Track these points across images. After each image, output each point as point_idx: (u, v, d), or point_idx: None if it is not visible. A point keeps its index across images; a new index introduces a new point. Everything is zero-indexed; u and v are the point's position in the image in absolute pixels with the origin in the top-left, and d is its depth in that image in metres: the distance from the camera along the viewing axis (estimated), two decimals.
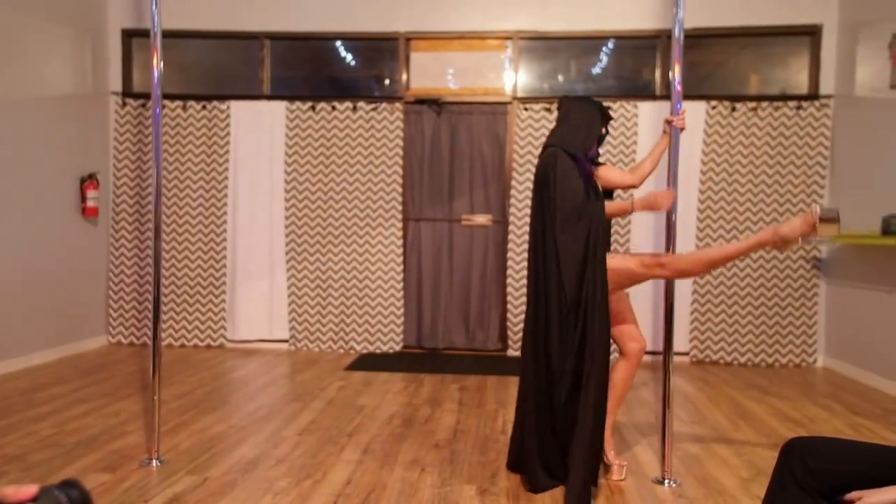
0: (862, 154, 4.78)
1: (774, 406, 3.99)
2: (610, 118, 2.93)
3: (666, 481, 2.71)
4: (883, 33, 4.52)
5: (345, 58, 5.80)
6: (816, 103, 5.15)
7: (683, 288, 5.20)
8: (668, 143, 2.83)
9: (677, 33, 2.75)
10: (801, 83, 5.31)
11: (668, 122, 2.81)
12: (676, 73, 2.77)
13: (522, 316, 5.31)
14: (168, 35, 5.25)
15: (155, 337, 2.89)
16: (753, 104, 5.20)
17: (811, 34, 5.23)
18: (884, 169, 4.50)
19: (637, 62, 5.66)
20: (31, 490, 0.73)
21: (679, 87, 2.78)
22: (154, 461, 2.82)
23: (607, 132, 2.97)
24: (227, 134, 5.52)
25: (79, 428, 3.30)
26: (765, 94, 5.35)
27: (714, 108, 5.22)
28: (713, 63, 5.57)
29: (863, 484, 1.42)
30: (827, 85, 5.19)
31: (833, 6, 5.17)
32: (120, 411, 3.61)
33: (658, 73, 5.41)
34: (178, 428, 3.34)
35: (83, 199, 5.22)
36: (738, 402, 4.04)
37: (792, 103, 5.17)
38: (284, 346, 5.58)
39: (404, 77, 5.54)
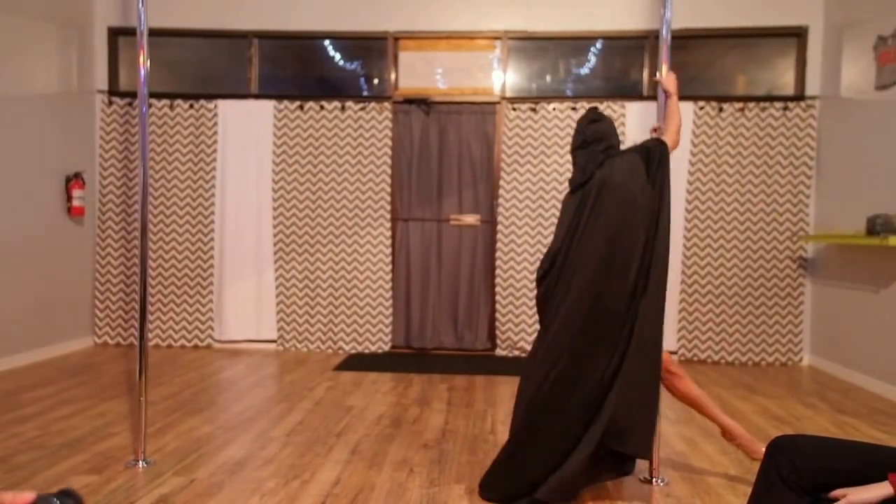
0: (847, 154, 4.83)
1: (761, 404, 4.02)
2: None
3: (654, 479, 2.73)
4: (868, 35, 4.56)
5: (333, 57, 5.78)
6: (802, 104, 5.19)
7: (671, 287, 5.22)
8: None
9: (665, 34, 2.77)
10: (787, 84, 5.36)
11: (655, 131, 2.84)
12: (664, 74, 2.80)
13: (510, 315, 5.36)
14: (155, 33, 5.22)
15: (141, 337, 2.87)
16: (740, 105, 5.23)
17: (797, 35, 5.27)
18: (868, 169, 4.54)
19: (625, 62, 5.69)
20: (28, 497, 0.73)
21: None
22: (140, 462, 2.80)
23: None
24: (215, 133, 5.49)
25: (64, 429, 3.27)
26: (752, 94, 5.39)
27: (702, 108, 5.25)
28: (701, 64, 5.60)
29: (848, 481, 1.43)
30: (813, 86, 5.23)
31: (819, 8, 5.22)
32: (106, 412, 3.58)
33: (646, 74, 5.43)
34: (165, 429, 3.32)
35: (69, 198, 5.17)
36: (725, 401, 4.07)
37: (778, 104, 5.21)
38: (272, 346, 5.56)
39: (393, 76, 5.53)
